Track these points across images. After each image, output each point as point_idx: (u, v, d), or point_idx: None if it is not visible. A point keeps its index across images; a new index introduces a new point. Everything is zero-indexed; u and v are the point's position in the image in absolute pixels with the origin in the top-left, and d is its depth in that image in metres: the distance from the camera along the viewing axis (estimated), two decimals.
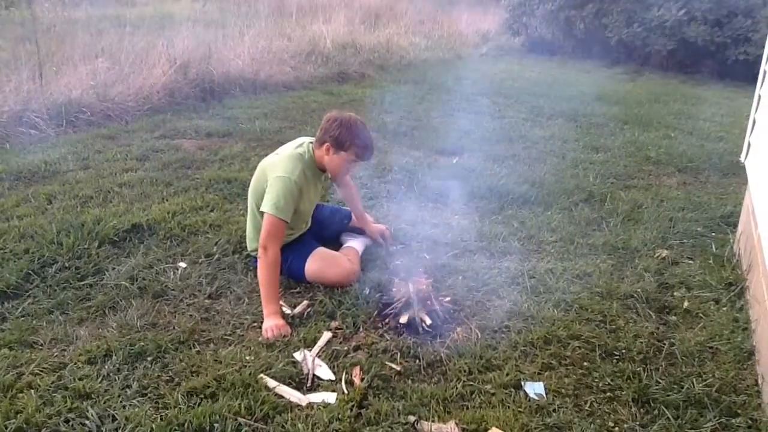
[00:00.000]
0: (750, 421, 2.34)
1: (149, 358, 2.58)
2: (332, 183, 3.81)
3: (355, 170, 3.44)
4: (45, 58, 6.55)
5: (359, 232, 3.72)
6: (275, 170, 3.09)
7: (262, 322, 2.86)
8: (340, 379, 2.50)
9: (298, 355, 2.64)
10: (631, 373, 2.59)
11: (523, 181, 4.87)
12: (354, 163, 3.20)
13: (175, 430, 2.18)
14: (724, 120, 7.37)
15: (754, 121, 4.04)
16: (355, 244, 3.58)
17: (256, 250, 3.10)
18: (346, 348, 2.70)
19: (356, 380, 2.48)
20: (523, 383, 2.51)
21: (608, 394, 2.48)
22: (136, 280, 3.19)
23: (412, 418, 2.27)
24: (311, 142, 3.23)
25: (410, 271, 3.32)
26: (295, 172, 3.06)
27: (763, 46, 4.05)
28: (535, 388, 2.49)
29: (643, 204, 4.52)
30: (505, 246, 3.77)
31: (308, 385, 2.48)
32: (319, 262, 3.23)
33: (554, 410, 2.38)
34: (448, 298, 3.11)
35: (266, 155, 5.18)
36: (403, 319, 2.89)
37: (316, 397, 2.40)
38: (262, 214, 3.05)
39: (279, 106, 7.31)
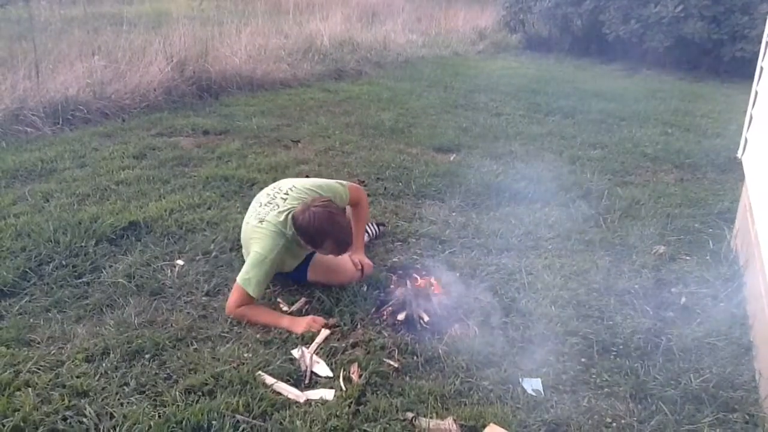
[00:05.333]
0: (747, 417, 2.35)
1: (147, 356, 2.58)
2: None
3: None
4: (41, 56, 6.52)
5: None
6: (256, 243, 2.96)
7: None
8: (338, 376, 2.50)
9: (295, 352, 2.64)
10: (628, 369, 2.60)
11: (520, 177, 4.87)
12: (335, 251, 3.03)
13: (173, 427, 2.18)
14: (721, 116, 7.37)
15: (750, 117, 4.05)
16: None
17: None
18: (343, 345, 2.70)
19: (354, 377, 2.48)
20: (520, 379, 2.52)
21: (606, 390, 2.49)
22: (134, 278, 3.19)
23: (410, 415, 2.28)
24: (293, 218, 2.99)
25: (408, 268, 3.32)
26: (274, 251, 2.93)
27: (760, 43, 4.05)
28: (532, 384, 2.49)
29: (640, 200, 4.53)
30: (502, 243, 3.77)
31: (306, 382, 2.48)
32: (322, 269, 3.16)
33: (552, 406, 2.38)
34: (444, 296, 3.11)
35: (263, 153, 5.27)
36: (401, 316, 2.89)
37: (314, 394, 2.40)
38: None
39: (276, 103, 7.30)
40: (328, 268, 3.19)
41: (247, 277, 2.89)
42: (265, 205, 3.11)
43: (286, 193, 3.13)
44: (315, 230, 2.91)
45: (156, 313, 2.92)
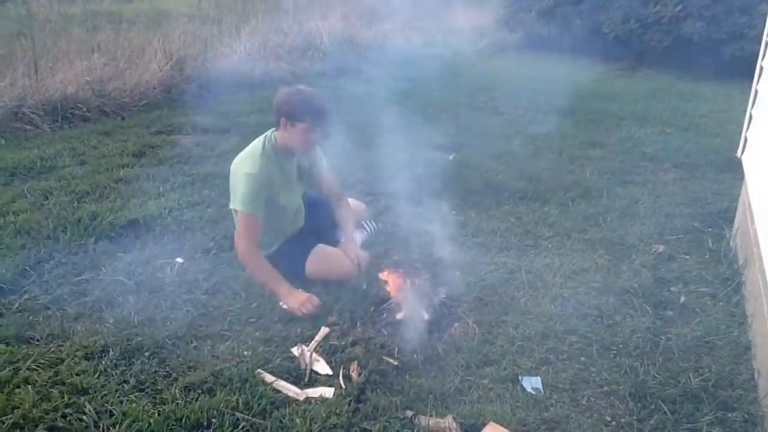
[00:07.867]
0: (746, 416, 2.35)
1: (146, 354, 2.58)
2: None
3: (318, 139, 3.25)
4: (40, 53, 6.52)
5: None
6: (235, 169, 3.09)
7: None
8: (338, 374, 2.50)
9: (295, 350, 2.64)
10: (627, 367, 2.60)
11: (520, 176, 4.87)
12: (313, 132, 3.13)
13: (173, 425, 2.18)
14: (720, 116, 7.37)
15: (750, 117, 4.05)
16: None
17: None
18: (343, 343, 2.70)
19: (354, 375, 2.48)
20: (520, 378, 2.52)
21: (605, 388, 2.49)
22: (133, 276, 3.19)
23: (409, 413, 2.28)
24: (275, 129, 3.18)
25: (407, 266, 3.32)
26: (254, 166, 3.03)
27: (759, 43, 4.05)
28: (532, 383, 2.49)
29: (639, 199, 4.53)
30: (502, 241, 3.78)
31: (306, 380, 2.48)
32: (319, 263, 3.21)
33: (551, 405, 2.38)
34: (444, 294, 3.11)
35: None
36: (400, 315, 2.89)
37: (314, 392, 2.40)
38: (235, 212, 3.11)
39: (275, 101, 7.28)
40: (326, 261, 3.23)
41: (239, 199, 2.98)
42: None
43: None
44: (294, 97, 3.08)
45: (155, 311, 2.92)
